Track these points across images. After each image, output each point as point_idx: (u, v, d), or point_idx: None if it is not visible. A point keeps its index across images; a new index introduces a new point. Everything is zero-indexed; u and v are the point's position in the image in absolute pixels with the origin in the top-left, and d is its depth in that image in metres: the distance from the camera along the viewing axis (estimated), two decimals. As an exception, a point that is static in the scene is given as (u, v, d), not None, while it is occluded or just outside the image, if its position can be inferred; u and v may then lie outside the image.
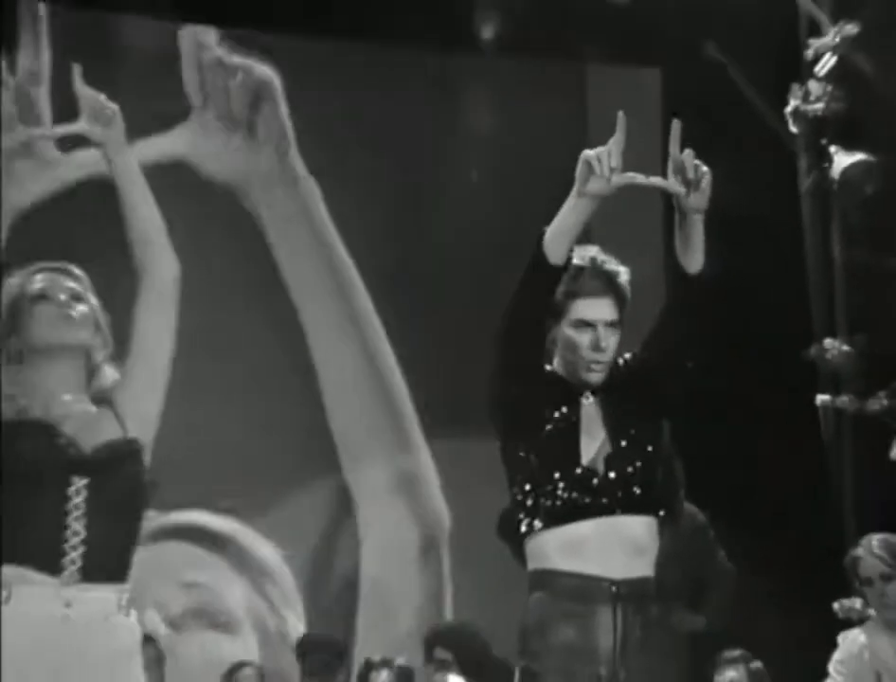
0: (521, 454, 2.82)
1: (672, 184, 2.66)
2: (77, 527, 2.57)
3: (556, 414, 2.81)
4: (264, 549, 6.15)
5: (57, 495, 2.58)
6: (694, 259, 2.78)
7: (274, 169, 6.21)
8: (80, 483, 2.59)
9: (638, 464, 2.80)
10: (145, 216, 2.73)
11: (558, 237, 2.64)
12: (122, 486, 2.67)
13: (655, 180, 2.68)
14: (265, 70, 6.06)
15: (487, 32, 6.60)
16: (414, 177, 6.56)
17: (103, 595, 2.56)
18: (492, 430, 2.91)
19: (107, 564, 2.61)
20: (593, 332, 2.76)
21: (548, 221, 2.64)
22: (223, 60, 6.11)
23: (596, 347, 2.76)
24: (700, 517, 4.73)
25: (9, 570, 2.49)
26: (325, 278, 6.27)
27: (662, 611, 2.89)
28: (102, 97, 2.67)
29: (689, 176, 2.69)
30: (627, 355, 2.89)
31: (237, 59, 6.17)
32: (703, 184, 2.68)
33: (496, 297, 3.10)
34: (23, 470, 2.59)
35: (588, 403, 2.82)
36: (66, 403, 2.67)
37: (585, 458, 2.77)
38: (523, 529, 2.82)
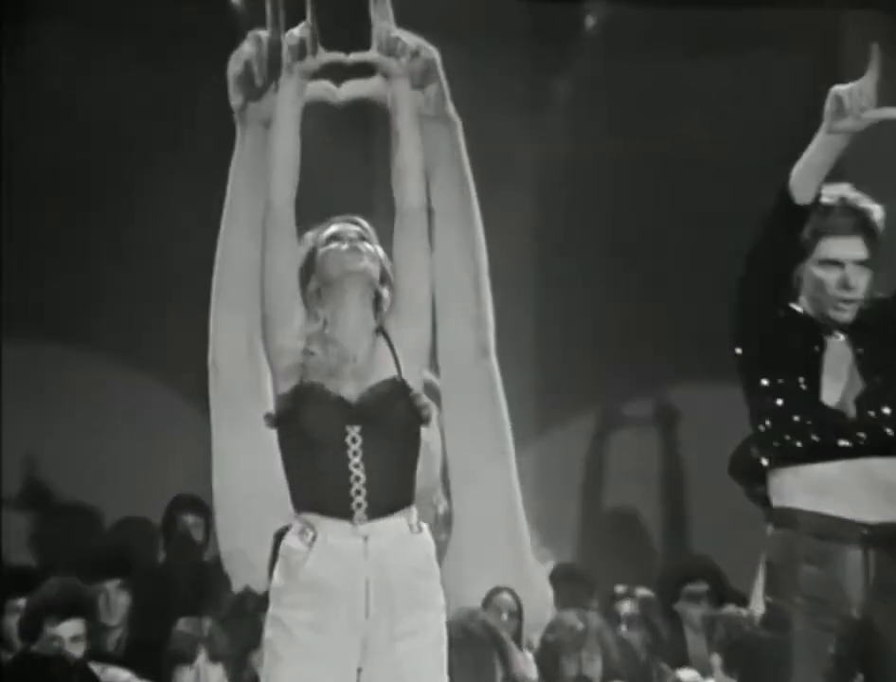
0: (763, 391, 2.60)
1: None
2: (357, 472, 2.50)
3: (800, 351, 2.59)
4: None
5: (338, 446, 2.48)
6: None
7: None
8: (354, 431, 2.51)
9: (892, 405, 2.58)
10: (412, 144, 2.56)
11: (805, 175, 2.44)
12: (392, 424, 2.54)
13: None
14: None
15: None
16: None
17: (395, 521, 2.48)
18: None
19: (392, 498, 2.51)
20: (841, 270, 2.55)
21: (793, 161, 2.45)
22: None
23: (844, 285, 2.55)
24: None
25: (310, 517, 2.45)
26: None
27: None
28: (394, 29, 2.52)
29: None
30: (881, 295, 2.65)
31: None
32: None
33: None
34: (304, 433, 2.53)
35: (837, 341, 2.59)
36: (356, 330, 2.56)
37: (829, 398, 2.56)
38: (764, 463, 2.65)
